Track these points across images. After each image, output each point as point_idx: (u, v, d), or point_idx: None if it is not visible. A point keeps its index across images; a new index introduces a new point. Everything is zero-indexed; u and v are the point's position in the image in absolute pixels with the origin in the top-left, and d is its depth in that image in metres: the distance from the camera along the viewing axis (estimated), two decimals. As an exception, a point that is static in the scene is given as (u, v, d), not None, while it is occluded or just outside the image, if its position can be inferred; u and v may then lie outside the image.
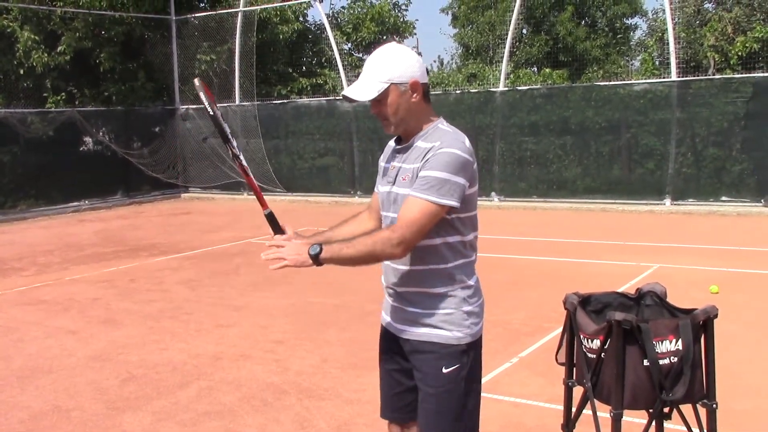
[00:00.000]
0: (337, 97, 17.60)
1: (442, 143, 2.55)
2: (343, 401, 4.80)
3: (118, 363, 5.77)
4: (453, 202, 2.53)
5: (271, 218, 2.73)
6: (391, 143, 2.80)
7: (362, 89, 2.60)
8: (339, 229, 2.89)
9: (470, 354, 2.67)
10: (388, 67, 2.58)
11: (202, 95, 2.73)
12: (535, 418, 4.43)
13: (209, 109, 2.73)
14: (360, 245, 2.51)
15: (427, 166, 2.53)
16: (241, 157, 2.83)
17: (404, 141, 2.68)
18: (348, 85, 17.12)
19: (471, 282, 2.69)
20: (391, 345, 2.80)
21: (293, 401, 4.85)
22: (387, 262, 2.68)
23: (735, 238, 10.34)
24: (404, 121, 2.63)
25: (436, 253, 2.61)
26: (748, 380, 4.93)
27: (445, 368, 2.62)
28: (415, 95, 2.60)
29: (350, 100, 2.63)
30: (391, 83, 2.57)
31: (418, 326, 2.65)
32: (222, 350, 6.00)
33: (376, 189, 2.89)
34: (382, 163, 2.83)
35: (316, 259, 2.51)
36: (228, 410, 4.71)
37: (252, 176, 2.84)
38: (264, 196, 2.88)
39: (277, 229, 2.71)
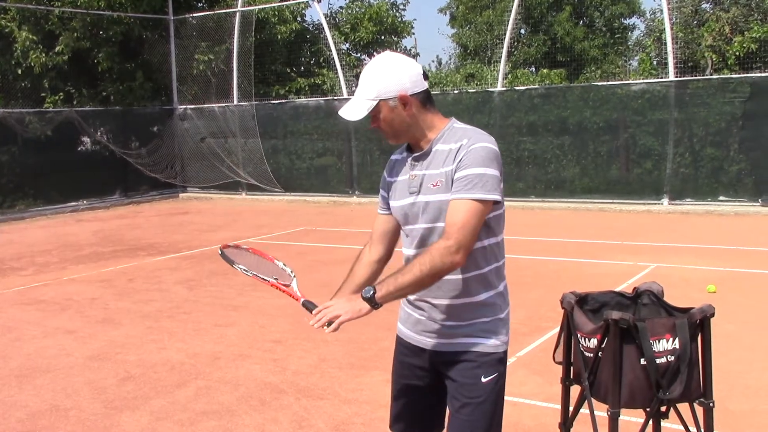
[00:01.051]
0: (336, 97, 17.61)
1: (470, 140, 2.48)
2: (341, 401, 4.81)
3: (117, 362, 5.78)
4: (497, 196, 2.45)
5: (308, 305, 2.65)
6: (396, 156, 2.73)
7: (354, 109, 2.56)
8: (352, 278, 2.75)
9: (505, 362, 2.64)
10: (375, 84, 2.52)
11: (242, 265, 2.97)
12: (532, 417, 4.44)
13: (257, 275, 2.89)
14: (416, 268, 2.39)
15: (464, 165, 2.44)
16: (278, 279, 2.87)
17: (416, 149, 2.60)
18: (347, 86, 17.25)
19: (502, 288, 2.65)
20: (412, 360, 2.71)
21: (291, 401, 4.85)
22: None
23: (732, 238, 10.36)
24: (403, 133, 2.57)
25: (472, 258, 2.50)
26: (746, 380, 4.94)
27: (484, 377, 2.56)
28: (407, 107, 2.52)
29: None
30: (380, 100, 2.51)
31: (454, 338, 2.58)
32: (220, 350, 6.00)
33: (380, 210, 2.79)
34: (392, 179, 2.69)
35: (372, 301, 2.39)
36: (226, 410, 4.71)
37: (292, 290, 2.82)
38: (284, 275, 2.94)
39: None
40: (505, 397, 4.69)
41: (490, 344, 2.58)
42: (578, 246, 10.21)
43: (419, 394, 2.73)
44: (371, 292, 2.39)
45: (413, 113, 2.53)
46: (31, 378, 5.48)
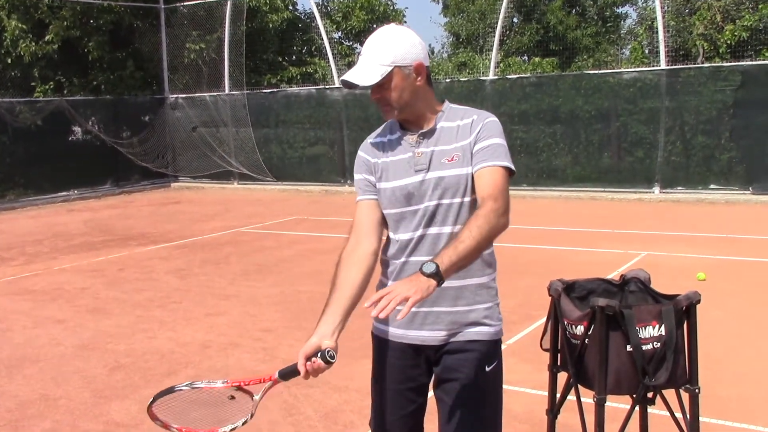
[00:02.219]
0: (328, 86, 17.57)
1: (480, 115, 2.49)
2: (331, 389, 4.81)
3: (106, 352, 5.77)
4: (513, 167, 2.46)
5: (285, 371, 2.36)
6: (380, 138, 2.59)
7: (364, 74, 2.42)
8: (346, 281, 2.43)
9: (500, 347, 2.61)
10: (392, 49, 2.42)
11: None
12: (521, 404, 4.46)
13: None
14: (474, 232, 2.24)
15: (484, 136, 2.44)
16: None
17: (417, 126, 2.50)
18: (339, 75, 17.20)
19: (495, 272, 2.60)
20: (401, 360, 2.57)
21: (281, 389, 4.84)
22: (419, 258, 2.41)
23: (723, 226, 10.39)
24: (409, 105, 2.47)
25: None
26: (733, 367, 4.97)
27: (488, 366, 2.51)
28: (419, 78, 2.46)
29: (351, 86, 2.44)
30: (395, 66, 2.41)
31: (460, 327, 2.49)
32: (210, 339, 6.00)
33: (365, 196, 2.56)
34: (381, 159, 2.54)
35: (438, 276, 2.14)
36: (216, 398, 4.71)
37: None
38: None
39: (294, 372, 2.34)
40: (495, 385, 4.73)
41: (492, 332, 2.55)
42: (569, 234, 10.23)
43: (408, 399, 2.60)
44: (434, 267, 2.14)
45: (423, 86, 2.48)
46: (20, 368, 5.47)
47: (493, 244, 2.54)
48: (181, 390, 2.42)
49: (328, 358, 2.27)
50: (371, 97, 2.48)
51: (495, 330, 2.56)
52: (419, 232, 2.47)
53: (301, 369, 2.28)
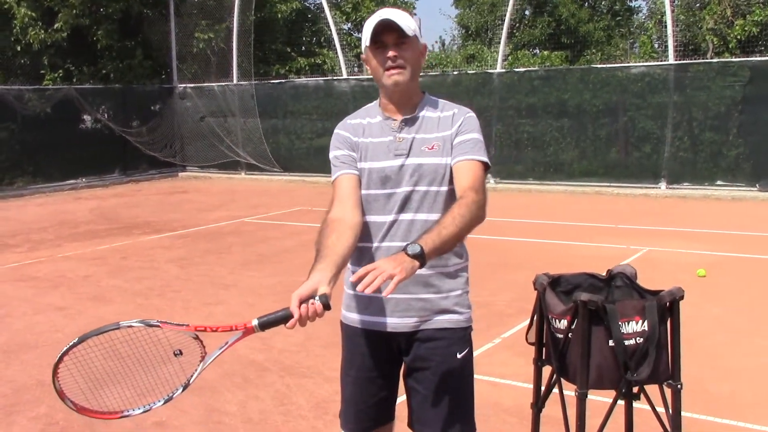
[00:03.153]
0: (336, 77, 17.54)
1: (460, 109, 2.57)
2: (324, 379, 4.83)
3: (103, 339, 5.79)
4: (489, 163, 2.54)
5: (269, 319, 2.20)
6: (359, 120, 2.58)
7: (402, 22, 2.39)
8: (335, 246, 2.31)
9: (471, 334, 2.62)
10: (412, 21, 2.44)
11: None
12: (511, 397, 4.47)
13: None
14: (458, 219, 2.27)
15: (465, 130, 2.50)
16: None
17: (399, 113, 2.52)
18: (347, 66, 17.17)
19: (468, 260, 2.63)
20: (372, 348, 2.58)
21: (275, 378, 4.88)
22: (392, 244, 2.45)
23: (728, 223, 10.34)
24: (413, 77, 2.48)
25: None
26: (729, 363, 4.95)
27: (459, 353, 2.52)
28: (421, 58, 2.54)
29: (389, 27, 2.38)
30: (415, 34, 2.45)
31: (431, 314, 2.50)
32: (208, 328, 6.02)
33: (347, 170, 2.52)
34: (362, 139, 2.54)
35: (422, 258, 2.15)
36: (209, 387, 4.74)
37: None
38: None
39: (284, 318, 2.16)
40: (487, 378, 4.74)
41: (462, 319, 2.55)
42: (573, 229, 10.21)
43: (379, 387, 2.61)
44: (419, 249, 2.14)
45: (420, 68, 2.56)
46: (18, 353, 5.51)
47: (480, 220, 2.51)
48: (109, 332, 2.17)
49: (329, 303, 2.12)
50: (386, 55, 2.42)
51: (465, 317, 2.57)
52: (392, 217, 2.48)
53: (295, 311, 2.11)
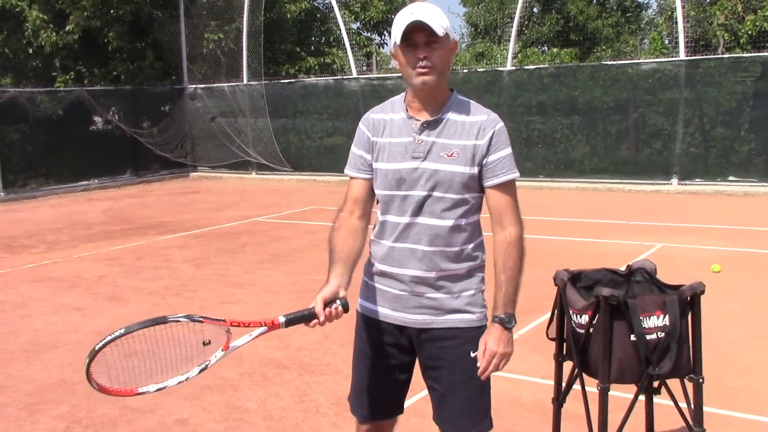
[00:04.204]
0: (346, 77, 17.57)
1: (489, 116, 2.50)
2: (343, 376, 4.86)
3: (123, 339, 5.85)
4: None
5: (296, 316, 2.43)
6: (383, 115, 2.57)
7: (433, 22, 2.34)
8: (349, 250, 2.53)
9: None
10: (445, 18, 2.39)
11: None
12: (529, 393, 4.49)
13: None
14: (514, 270, 2.47)
15: (500, 146, 2.48)
16: None
17: (423, 113, 2.49)
18: (356, 66, 17.20)
19: (484, 260, 2.61)
20: (387, 339, 2.62)
21: (293, 376, 4.92)
22: (404, 245, 2.50)
23: (741, 218, 10.33)
24: (442, 76, 2.44)
25: (468, 232, 2.53)
26: (743, 358, 4.96)
27: (473, 352, 2.51)
28: (451, 56, 2.50)
29: (416, 41, 2.38)
30: (447, 31, 2.40)
31: (442, 313, 2.53)
32: (225, 326, 6.07)
33: (359, 174, 2.59)
34: (381, 138, 2.54)
35: (513, 321, 2.50)
36: (229, 385, 4.79)
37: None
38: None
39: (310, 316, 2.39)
40: (503, 374, 4.75)
41: (474, 318, 2.56)
42: (585, 225, 10.21)
43: (390, 376, 2.66)
44: (510, 320, 2.48)
45: (449, 67, 2.52)
46: (39, 353, 5.57)
47: (482, 235, 2.62)
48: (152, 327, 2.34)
49: (348, 306, 2.37)
50: (417, 55, 2.39)
51: (478, 317, 2.58)
52: (407, 219, 2.50)
53: (321, 314, 2.34)
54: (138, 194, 15.94)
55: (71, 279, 8.00)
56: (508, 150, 2.50)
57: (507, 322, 2.44)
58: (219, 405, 4.49)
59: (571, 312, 3.01)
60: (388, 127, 2.55)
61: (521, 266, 2.48)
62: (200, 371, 2.36)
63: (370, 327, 2.66)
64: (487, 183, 2.49)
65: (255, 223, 11.30)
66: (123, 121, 18.24)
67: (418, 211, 2.48)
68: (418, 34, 2.37)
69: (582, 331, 2.94)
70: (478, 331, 2.55)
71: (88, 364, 2.18)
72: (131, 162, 18.32)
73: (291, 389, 4.69)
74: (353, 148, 2.62)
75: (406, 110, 2.53)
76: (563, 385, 3.24)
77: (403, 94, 2.58)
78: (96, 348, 2.19)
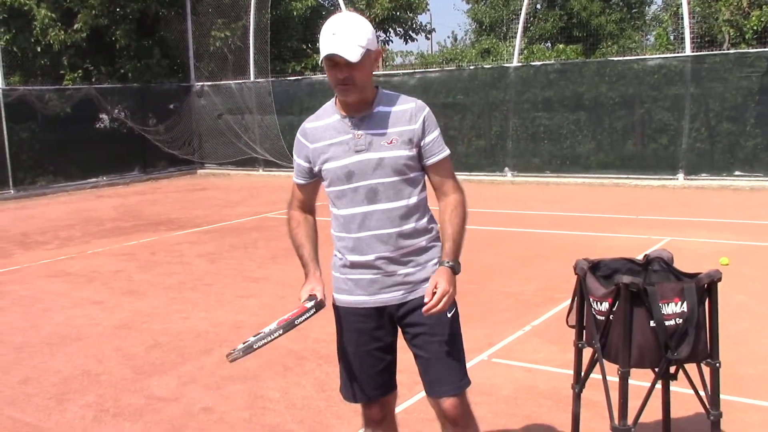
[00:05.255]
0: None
1: (417, 103, 2.76)
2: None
3: (143, 331, 5.98)
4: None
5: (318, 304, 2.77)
6: (315, 124, 2.79)
7: (348, 50, 2.55)
8: (313, 245, 2.91)
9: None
10: (364, 33, 2.59)
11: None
12: (545, 382, 4.59)
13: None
14: (458, 223, 2.76)
15: (431, 128, 2.75)
16: None
17: (357, 111, 2.71)
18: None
19: (438, 231, 2.85)
20: (369, 324, 2.83)
21: (313, 366, 5.03)
22: (368, 233, 2.73)
23: (747, 212, 10.41)
24: (366, 87, 2.68)
25: (420, 208, 2.79)
26: (754, 347, 5.06)
27: (449, 313, 2.76)
28: (376, 64, 2.74)
29: (336, 61, 2.58)
30: (367, 48, 2.60)
31: (415, 285, 2.77)
32: (242, 319, 6.19)
33: (302, 179, 2.88)
34: (320, 143, 2.76)
35: (458, 266, 2.74)
36: (251, 375, 4.90)
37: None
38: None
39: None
40: (519, 363, 4.91)
41: None
42: (593, 220, 10.30)
43: (379, 357, 2.87)
44: (454, 264, 2.71)
45: (371, 75, 2.74)
46: (61, 345, 5.69)
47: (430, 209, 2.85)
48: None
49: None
50: (337, 75, 2.61)
51: None
52: (364, 209, 2.74)
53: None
54: (146, 191, 16.05)
55: (88, 274, 8.12)
56: (438, 130, 2.79)
57: (456, 268, 2.71)
58: (242, 394, 4.60)
59: (591, 299, 3.10)
60: (324, 132, 2.78)
61: (465, 224, 2.79)
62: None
63: (351, 317, 2.86)
64: (428, 162, 2.77)
65: (265, 219, 11.41)
66: (130, 119, 18.35)
67: (372, 198, 2.72)
68: (339, 57, 2.57)
69: (602, 318, 3.04)
70: None
71: (240, 356, 2.59)
72: (139, 159, 18.44)
73: (311, 379, 4.80)
74: (294, 157, 2.90)
75: (339, 111, 2.76)
76: (582, 371, 3.34)
77: (333, 99, 2.81)
78: (255, 346, 2.63)
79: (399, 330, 2.87)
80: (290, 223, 2.96)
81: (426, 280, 2.75)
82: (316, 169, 2.80)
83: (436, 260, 2.78)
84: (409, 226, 2.75)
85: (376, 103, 2.73)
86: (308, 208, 2.96)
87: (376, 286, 2.78)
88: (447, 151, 2.80)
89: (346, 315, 2.87)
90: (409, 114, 2.72)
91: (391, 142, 2.69)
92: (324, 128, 2.77)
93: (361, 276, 2.79)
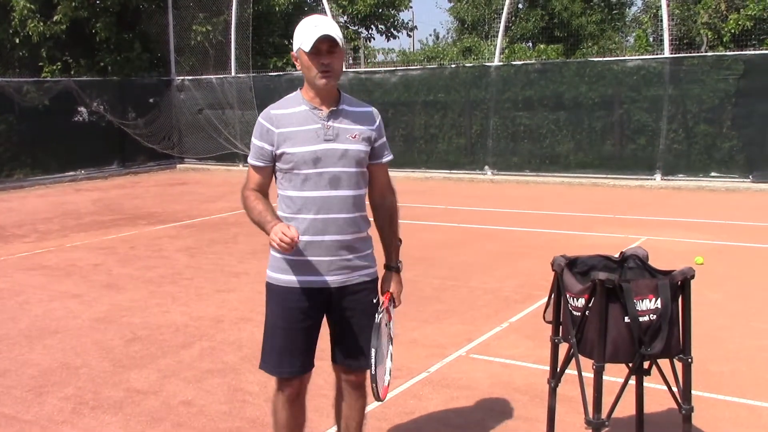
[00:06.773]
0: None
1: (373, 109, 3.15)
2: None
3: (122, 325, 5.97)
4: None
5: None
6: (283, 111, 3.02)
7: (336, 35, 2.89)
8: (271, 210, 3.06)
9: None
10: (338, 29, 2.94)
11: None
12: (522, 377, 4.66)
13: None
14: (397, 229, 3.24)
15: (383, 132, 3.15)
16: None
17: (327, 104, 3.00)
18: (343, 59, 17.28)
19: (370, 225, 3.18)
20: (304, 303, 3.05)
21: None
22: (326, 216, 2.99)
23: (722, 213, 10.57)
24: (338, 79, 3.00)
25: (364, 200, 3.12)
26: (727, 345, 5.17)
27: (374, 299, 3.14)
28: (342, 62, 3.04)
29: (320, 49, 2.87)
30: (343, 44, 2.97)
31: (354, 270, 3.08)
32: (223, 313, 6.20)
33: (262, 162, 3.08)
34: (287, 129, 2.98)
35: (401, 268, 3.27)
36: (230, 368, 4.92)
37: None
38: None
39: None
40: (497, 359, 4.96)
41: (374, 272, 3.17)
42: (571, 219, 10.41)
43: (309, 335, 3.13)
44: (399, 265, 3.25)
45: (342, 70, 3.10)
46: (40, 338, 5.67)
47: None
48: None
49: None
50: (321, 61, 2.89)
51: (375, 270, 3.19)
52: (325, 193, 2.99)
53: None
54: (126, 185, 15.96)
55: (66, 267, 8.08)
56: (385, 136, 3.18)
57: (400, 269, 3.24)
58: (222, 387, 4.62)
59: (568, 296, 3.17)
60: (290, 119, 3.01)
61: (397, 221, 3.25)
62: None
63: (289, 295, 3.06)
64: (377, 161, 3.13)
65: (244, 215, 11.32)
66: (110, 112, 18.20)
67: (336, 185, 2.99)
68: (323, 44, 2.88)
69: (578, 313, 3.10)
70: (376, 282, 3.19)
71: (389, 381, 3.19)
72: (118, 153, 18.30)
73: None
74: (254, 141, 3.09)
75: (309, 103, 3.02)
76: (558, 366, 3.40)
77: (297, 92, 3.07)
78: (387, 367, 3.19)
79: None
80: (248, 199, 3.15)
81: (364, 267, 3.11)
82: (279, 151, 3.00)
83: (371, 250, 3.16)
84: (359, 214, 3.07)
85: (341, 101, 3.04)
86: (264, 190, 3.15)
87: (323, 268, 3.03)
88: (391, 156, 3.21)
89: (284, 293, 3.07)
90: (371, 116, 3.10)
91: (354, 137, 3.01)
92: (290, 115, 3.01)
93: (309, 258, 3.02)
